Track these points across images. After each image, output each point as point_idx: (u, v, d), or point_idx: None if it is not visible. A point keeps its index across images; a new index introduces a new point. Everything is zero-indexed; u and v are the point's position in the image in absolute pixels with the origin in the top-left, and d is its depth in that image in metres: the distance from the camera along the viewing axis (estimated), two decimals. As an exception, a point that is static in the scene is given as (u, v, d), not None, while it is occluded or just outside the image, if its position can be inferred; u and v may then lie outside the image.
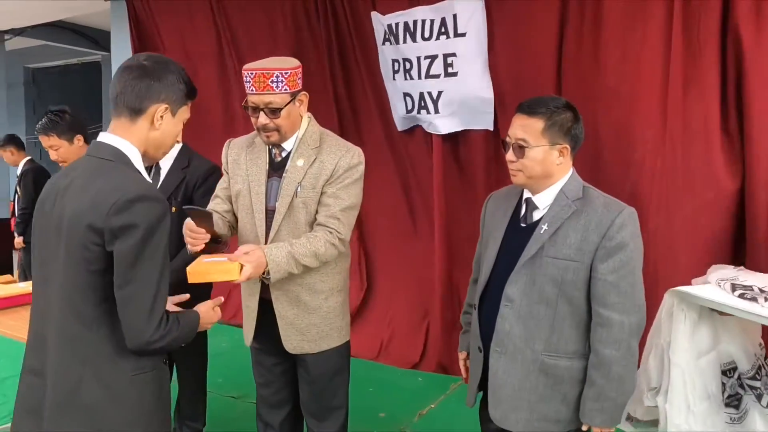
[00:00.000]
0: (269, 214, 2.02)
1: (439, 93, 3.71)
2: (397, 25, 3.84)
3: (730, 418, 2.09)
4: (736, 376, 2.09)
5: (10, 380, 3.69)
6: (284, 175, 2.02)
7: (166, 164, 2.72)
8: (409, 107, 3.83)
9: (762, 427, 2.06)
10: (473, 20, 3.52)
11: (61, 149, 2.82)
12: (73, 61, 9.05)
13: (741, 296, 1.97)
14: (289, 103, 1.95)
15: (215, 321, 1.71)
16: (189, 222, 1.89)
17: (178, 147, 2.74)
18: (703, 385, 2.06)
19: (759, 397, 2.09)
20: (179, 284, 1.95)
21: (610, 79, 3.11)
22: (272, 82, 1.91)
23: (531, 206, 1.76)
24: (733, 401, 2.11)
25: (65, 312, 1.40)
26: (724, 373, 2.10)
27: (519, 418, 1.71)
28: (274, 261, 1.86)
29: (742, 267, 2.40)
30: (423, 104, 3.77)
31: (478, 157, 3.71)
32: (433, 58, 3.71)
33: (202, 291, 2.67)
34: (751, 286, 2.02)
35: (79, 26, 7.43)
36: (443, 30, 3.68)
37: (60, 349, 1.41)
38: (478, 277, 1.93)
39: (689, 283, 2.22)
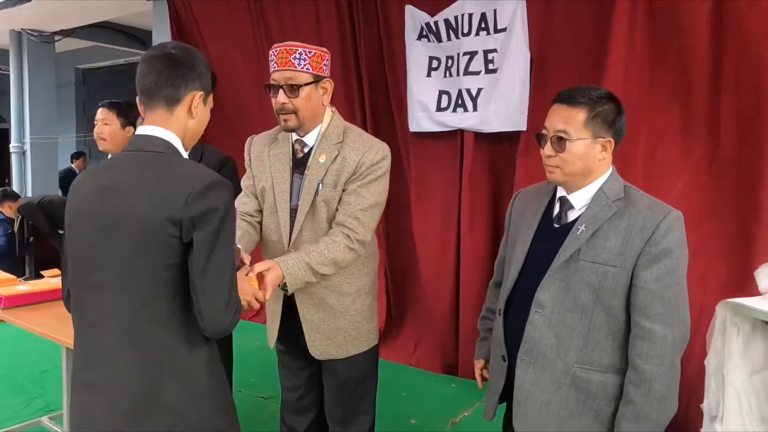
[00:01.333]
0: (292, 213, 1.95)
1: (479, 90, 3.61)
2: (437, 23, 3.77)
3: None
4: None
5: (49, 373, 3.78)
6: (306, 172, 1.95)
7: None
8: (444, 105, 3.74)
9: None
10: (515, 15, 3.43)
11: (111, 127, 2.95)
12: (121, 61, 9.28)
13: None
14: (310, 83, 1.88)
15: (250, 293, 1.68)
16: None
17: None
18: (758, 405, 1.90)
19: None
20: None
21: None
22: (294, 58, 1.85)
23: (566, 205, 1.63)
24: None
25: (137, 315, 1.33)
26: None
27: None
28: (290, 274, 1.79)
29: None
30: (461, 102, 3.68)
31: (510, 157, 3.59)
32: (473, 54, 3.63)
33: None
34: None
35: (125, 27, 7.59)
36: (483, 26, 3.61)
37: (126, 357, 1.34)
38: (502, 280, 1.79)
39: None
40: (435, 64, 3.79)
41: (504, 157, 3.65)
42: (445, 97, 3.73)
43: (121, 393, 1.34)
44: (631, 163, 2.95)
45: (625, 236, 1.51)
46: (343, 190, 1.93)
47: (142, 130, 1.44)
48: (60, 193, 7.63)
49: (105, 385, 1.36)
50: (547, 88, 3.30)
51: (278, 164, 1.98)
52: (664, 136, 2.99)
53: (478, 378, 1.91)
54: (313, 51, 1.88)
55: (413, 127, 3.87)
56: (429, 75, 3.79)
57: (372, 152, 1.94)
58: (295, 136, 1.99)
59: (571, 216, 1.62)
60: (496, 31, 3.54)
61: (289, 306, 2.01)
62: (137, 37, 7.86)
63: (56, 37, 7.43)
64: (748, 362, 1.91)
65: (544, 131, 1.61)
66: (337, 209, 1.93)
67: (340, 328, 1.99)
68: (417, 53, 3.84)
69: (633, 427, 1.50)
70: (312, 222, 1.92)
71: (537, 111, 3.33)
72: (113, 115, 2.97)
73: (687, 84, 2.91)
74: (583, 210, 1.59)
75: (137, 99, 1.47)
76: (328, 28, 4.32)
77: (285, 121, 1.91)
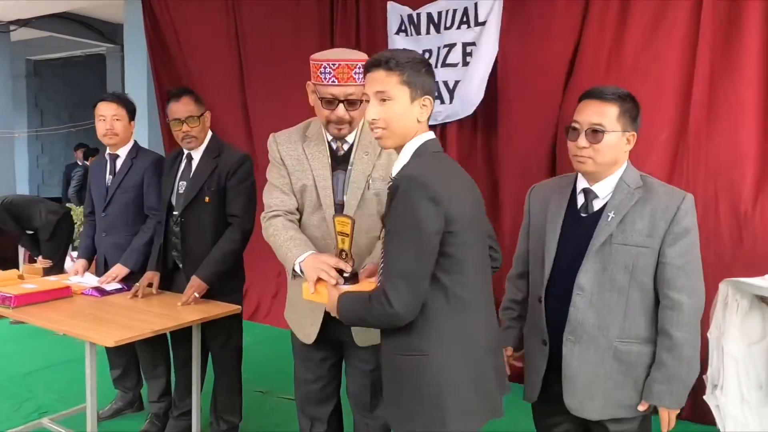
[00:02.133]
0: (338, 208, 1.98)
1: (456, 83, 3.70)
2: (419, 15, 3.82)
3: None
4: None
5: (35, 374, 3.69)
6: (350, 168, 1.99)
7: (197, 154, 2.72)
8: None
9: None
10: (492, 10, 3.56)
11: (122, 122, 2.92)
12: (77, 53, 8.97)
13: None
14: (364, 95, 1.91)
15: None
16: (327, 257, 1.77)
17: (209, 136, 2.74)
18: (755, 374, 2.05)
19: None
20: None
21: (635, 63, 3.13)
22: (355, 73, 1.88)
23: (591, 195, 1.76)
24: None
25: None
26: None
27: (595, 406, 1.72)
28: None
29: None
30: (437, 94, 3.75)
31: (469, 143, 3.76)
32: (452, 46, 3.71)
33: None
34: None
35: (84, 17, 7.34)
36: (465, 19, 3.69)
37: None
38: (524, 271, 1.93)
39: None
40: (412, 57, 3.84)
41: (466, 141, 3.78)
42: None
43: None
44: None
45: (650, 219, 1.67)
46: None
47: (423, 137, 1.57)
48: (69, 190, 7.30)
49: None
50: (509, 81, 3.53)
51: (317, 162, 2.01)
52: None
53: (507, 366, 1.95)
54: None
55: None
56: None
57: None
58: (330, 135, 2.02)
59: (597, 205, 1.75)
60: (477, 24, 3.64)
61: None
62: (96, 28, 7.62)
63: (11, 27, 7.13)
64: (745, 334, 2.07)
65: (575, 125, 1.72)
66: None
67: None
68: (395, 47, 3.88)
69: (665, 388, 1.67)
70: (362, 216, 1.95)
71: (498, 100, 3.54)
72: (123, 109, 2.93)
73: (658, 91, 3.09)
74: (608, 198, 1.72)
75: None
76: (307, 25, 4.35)
77: (339, 130, 1.95)
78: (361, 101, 1.91)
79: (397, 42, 3.90)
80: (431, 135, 1.60)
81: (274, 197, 2.04)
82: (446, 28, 3.75)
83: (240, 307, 2.66)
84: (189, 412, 2.77)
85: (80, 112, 9.38)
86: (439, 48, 3.78)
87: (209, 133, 2.76)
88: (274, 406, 3.32)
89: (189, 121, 2.63)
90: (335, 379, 2.19)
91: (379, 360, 2.06)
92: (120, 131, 2.91)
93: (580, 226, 1.75)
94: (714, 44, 2.98)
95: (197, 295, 2.57)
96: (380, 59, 1.55)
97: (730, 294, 2.05)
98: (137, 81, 5.54)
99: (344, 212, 1.96)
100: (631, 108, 1.70)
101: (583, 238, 1.72)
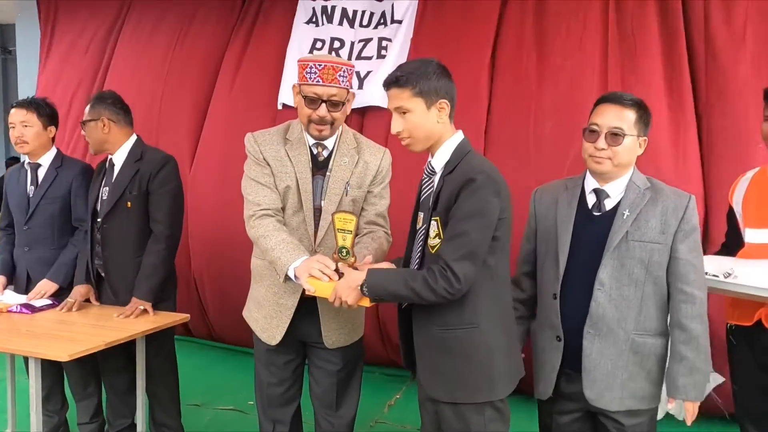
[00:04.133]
0: (316, 212, 2.04)
1: (368, 72, 3.76)
2: (333, 7, 3.88)
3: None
4: None
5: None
6: (329, 173, 2.05)
7: (119, 159, 2.62)
8: None
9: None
10: (408, 9, 3.73)
11: (32, 129, 2.73)
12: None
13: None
14: (346, 98, 2.01)
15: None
16: (321, 257, 1.86)
17: (132, 140, 2.65)
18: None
19: None
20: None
21: (554, 57, 3.33)
22: (340, 75, 1.96)
23: (602, 195, 1.84)
24: None
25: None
26: None
27: (613, 396, 1.78)
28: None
29: None
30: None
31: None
32: (368, 41, 3.81)
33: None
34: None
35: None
36: (381, 21, 3.84)
37: None
38: (529, 271, 1.97)
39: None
40: (319, 45, 3.87)
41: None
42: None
43: None
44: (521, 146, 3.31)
45: (662, 217, 1.78)
46: (369, 192, 2.10)
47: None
48: None
49: None
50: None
51: (299, 165, 2.04)
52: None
53: None
54: (351, 69, 2.03)
55: (284, 100, 3.85)
56: (311, 53, 3.84)
57: (387, 156, 2.15)
58: (312, 140, 2.07)
59: (609, 204, 1.83)
60: (393, 21, 3.78)
61: (303, 303, 2.05)
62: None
63: None
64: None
65: (595, 127, 1.79)
66: (363, 208, 2.10)
67: (351, 315, 2.08)
68: (301, 35, 3.91)
69: (689, 381, 1.76)
70: None
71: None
72: (33, 115, 2.72)
73: (578, 87, 3.27)
74: (620, 198, 1.82)
75: None
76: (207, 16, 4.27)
77: (320, 131, 2.01)
78: (343, 103, 2.00)
79: (306, 31, 3.90)
80: (461, 135, 1.77)
81: (262, 194, 2.02)
82: (362, 26, 3.85)
83: (188, 315, 2.58)
84: (126, 429, 2.68)
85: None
86: (353, 42, 3.85)
87: (134, 137, 2.66)
88: (213, 417, 3.21)
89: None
90: (298, 381, 2.23)
91: (351, 357, 2.15)
92: (31, 139, 2.70)
93: (593, 224, 1.82)
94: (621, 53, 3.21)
95: (151, 312, 2.51)
96: (392, 78, 1.71)
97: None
98: (28, 85, 5.14)
99: (322, 217, 2.03)
100: (645, 115, 1.81)
101: (597, 236, 1.80)
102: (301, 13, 3.95)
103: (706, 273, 1.89)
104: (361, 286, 1.69)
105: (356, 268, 1.80)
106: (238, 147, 2.22)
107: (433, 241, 1.71)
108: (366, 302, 1.73)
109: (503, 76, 3.46)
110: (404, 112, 1.70)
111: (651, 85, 3.12)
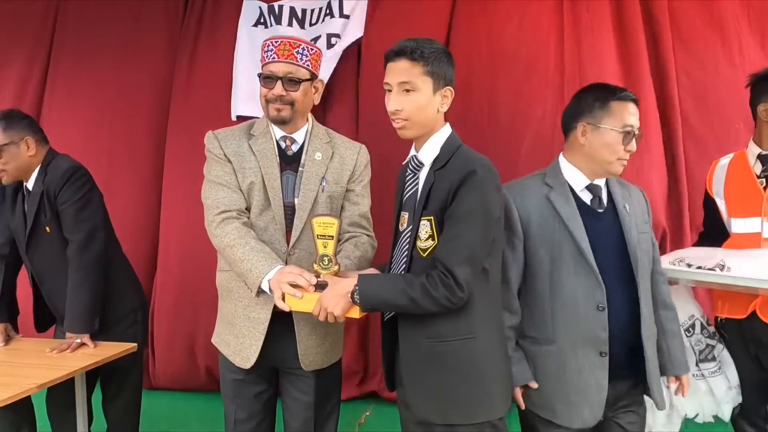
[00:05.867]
0: (287, 210, 1.86)
1: None
2: (281, 7, 3.74)
3: (710, 372, 2.03)
4: (698, 330, 2.05)
5: None
6: (302, 169, 1.89)
7: (30, 182, 2.28)
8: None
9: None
10: (357, 4, 3.61)
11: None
12: None
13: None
14: (307, 80, 1.86)
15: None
16: (293, 268, 1.68)
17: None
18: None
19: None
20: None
21: (508, 45, 3.24)
22: (297, 52, 1.83)
23: (597, 191, 1.74)
24: (708, 355, 2.05)
25: None
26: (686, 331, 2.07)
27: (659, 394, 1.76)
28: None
29: None
30: None
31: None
32: (317, 38, 3.67)
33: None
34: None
35: None
36: (329, 12, 3.70)
37: None
38: (522, 289, 1.73)
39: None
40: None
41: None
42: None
43: None
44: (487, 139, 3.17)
45: (638, 208, 1.79)
46: (349, 191, 1.95)
47: None
48: None
49: None
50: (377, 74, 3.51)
51: (265, 159, 1.87)
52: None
53: (521, 400, 1.72)
54: (314, 49, 1.88)
55: (239, 112, 3.60)
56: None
57: (364, 152, 2.00)
58: (280, 133, 1.91)
59: (604, 199, 1.76)
60: (341, 16, 3.65)
61: (277, 317, 1.83)
62: None
63: None
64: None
65: (635, 130, 1.68)
66: (344, 208, 1.95)
67: (329, 333, 1.91)
68: (250, 39, 3.69)
69: (683, 354, 1.82)
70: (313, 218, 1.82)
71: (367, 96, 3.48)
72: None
73: (532, 70, 3.20)
74: (606, 192, 1.75)
75: None
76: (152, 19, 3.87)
77: (278, 110, 1.84)
78: (302, 81, 1.84)
79: (254, 34, 3.67)
80: (450, 128, 1.61)
81: (222, 195, 1.84)
82: (311, 25, 3.70)
83: (135, 345, 2.24)
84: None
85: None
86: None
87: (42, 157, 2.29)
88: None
89: None
90: (269, 416, 2.03)
91: (333, 381, 1.94)
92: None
93: (600, 221, 1.71)
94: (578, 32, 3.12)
95: (90, 344, 2.20)
96: (404, 48, 1.53)
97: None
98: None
99: (296, 215, 1.85)
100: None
101: (609, 234, 1.69)
102: (248, 16, 3.72)
103: (699, 267, 1.86)
104: (352, 293, 1.51)
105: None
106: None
107: (425, 244, 1.52)
108: (355, 312, 1.54)
109: (457, 67, 3.34)
110: (408, 90, 1.53)
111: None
